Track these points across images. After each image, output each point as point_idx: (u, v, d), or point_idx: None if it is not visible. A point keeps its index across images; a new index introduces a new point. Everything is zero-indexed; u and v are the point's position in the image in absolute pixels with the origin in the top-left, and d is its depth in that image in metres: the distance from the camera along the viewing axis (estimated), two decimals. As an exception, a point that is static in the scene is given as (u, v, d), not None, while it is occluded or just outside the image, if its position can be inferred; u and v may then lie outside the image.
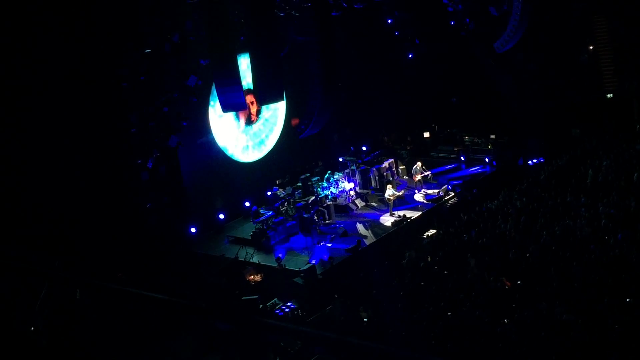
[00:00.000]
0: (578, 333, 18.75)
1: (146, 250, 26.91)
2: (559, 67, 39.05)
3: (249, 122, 34.33)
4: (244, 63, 29.50)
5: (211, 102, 31.91)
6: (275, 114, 35.83)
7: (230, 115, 32.86)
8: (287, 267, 26.86)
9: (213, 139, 32.47)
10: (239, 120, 33.93)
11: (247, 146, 34.55)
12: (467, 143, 37.78)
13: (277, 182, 34.07)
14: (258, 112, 34.53)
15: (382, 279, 24.24)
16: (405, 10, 38.06)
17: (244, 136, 34.31)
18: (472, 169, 35.85)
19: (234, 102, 24.57)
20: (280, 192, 32.68)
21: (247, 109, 33.04)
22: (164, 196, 28.42)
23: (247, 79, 29.08)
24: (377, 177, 34.23)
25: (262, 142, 35.44)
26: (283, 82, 27.53)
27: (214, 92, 30.85)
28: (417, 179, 33.10)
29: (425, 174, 33.38)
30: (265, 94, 25.41)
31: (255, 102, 32.77)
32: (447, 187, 32.66)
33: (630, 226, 24.25)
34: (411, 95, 39.37)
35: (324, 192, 32.03)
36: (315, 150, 36.82)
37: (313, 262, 26.87)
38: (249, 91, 30.27)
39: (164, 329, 23.11)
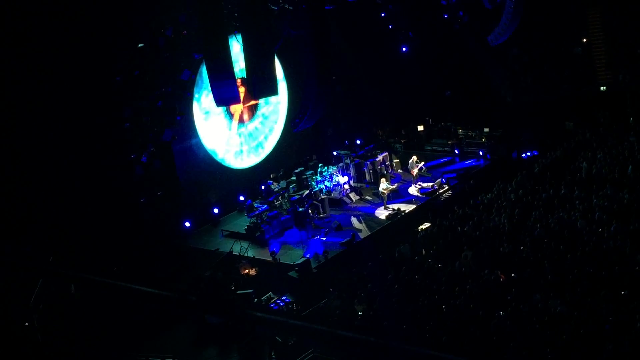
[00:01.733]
0: (572, 325, 18.81)
1: (140, 244, 26.91)
2: (553, 60, 39.12)
3: (243, 120, 33.94)
4: (236, 46, 29.17)
5: (195, 95, 31.28)
6: (277, 109, 35.44)
7: (220, 112, 32.32)
8: (281, 261, 26.87)
9: (200, 141, 31.82)
10: (230, 119, 33.31)
11: (241, 150, 33.94)
12: (461, 136, 37.80)
13: (272, 176, 34.05)
14: (254, 109, 34.35)
15: (377, 273, 24.26)
16: (398, 4, 37.99)
17: (237, 138, 33.74)
18: (466, 162, 35.87)
19: (227, 96, 24.49)
20: (275, 186, 32.68)
21: (241, 103, 32.39)
22: (158, 190, 28.41)
23: (239, 62, 28.60)
24: (371, 171, 34.24)
25: (259, 145, 34.88)
26: (276, 75, 27.40)
27: (198, 84, 30.72)
28: (414, 173, 33.13)
29: (420, 166, 33.39)
30: (259, 87, 25.29)
31: (248, 98, 32.35)
32: (441, 180, 32.68)
33: (624, 218, 24.31)
34: (405, 89, 39.35)
35: (318, 186, 32.02)
36: (310, 144, 36.81)
37: (307, 256, 26.90)
38: (242, 81, 29.96)
39: (162, 321, 23.22)
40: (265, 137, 35.34)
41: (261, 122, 35.01)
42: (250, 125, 34.44)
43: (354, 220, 30.63)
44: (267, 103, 34.93)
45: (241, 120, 33.95)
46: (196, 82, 30.87)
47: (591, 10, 38.79)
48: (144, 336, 23.37)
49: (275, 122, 35.71)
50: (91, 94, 25.85)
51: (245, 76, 27.79)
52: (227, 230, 30.58)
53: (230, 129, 33.46)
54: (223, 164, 33.03)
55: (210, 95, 30.73)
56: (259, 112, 34.86)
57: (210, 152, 32.37)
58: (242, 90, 29.58)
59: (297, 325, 4.88)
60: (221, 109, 32.18)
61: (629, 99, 36.60)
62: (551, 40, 39.17)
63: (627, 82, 37.64)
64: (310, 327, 4.79)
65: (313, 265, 26.22)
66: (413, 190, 32.69)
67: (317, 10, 28.01)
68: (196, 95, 31.26)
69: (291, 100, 35.34)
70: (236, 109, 33.26)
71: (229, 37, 25.64)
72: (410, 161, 33.40)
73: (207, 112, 31.94)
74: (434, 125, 39.60)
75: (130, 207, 27.49)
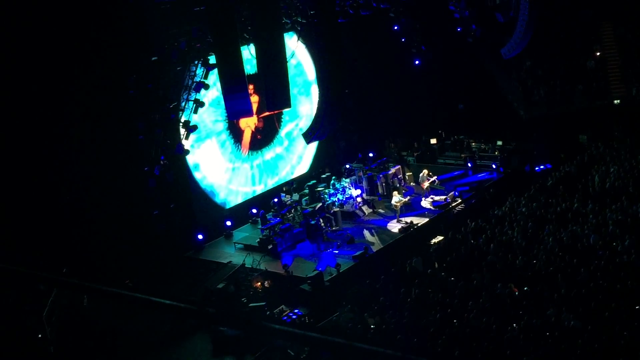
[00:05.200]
0: (586, 339, 18.71)
1: (153, 256, 26.95)
2: (566, 73, 39.05)
3: (255, 143, 32.13)
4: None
5: (182, 106, 27.81)
6: (307, 125, 32.70)
7: (221, 129, 30.72)
8: (294, 274, 26.84)
9: (192, 175, 29.54)
10: (236, 144, 31.35)
11: (254, 192, 32.09)
12: (474, 149, 37.71)
13: (284, 188, 34.05)
14: (275, 125, 33.00)
15: (390, 286, 24.21)
16: (411, 17, 38.08)
17: (247, 170, 32.07)
18: (479, 175, 35.77)
19: (240, 108, 24.55)
20: (287, 198, 32.66)
21: (254, 114, 29.38)
22: (171, 203, 28.44)
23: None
24: (383, 184, 34.19)
25: (282, 181, 33.27)
26: (289, 87, 27.30)
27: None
28: (425, 187, 33.05)
29: (432, 180, 33.32)
30: (273, 99, 25.21)
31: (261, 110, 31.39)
32: (454, 193, 32.60)
33: (638, 232, 24.19)
34: (418, 102, 39.36)
35: (331, 198, 31.99)
36: (323, 157, 36.79)
37: (320, 269, 26.86)
38: (254, 89, 28.92)
39: (178, 333, 23.30)
40: (292, 170, 34.00)
41: (286, 149, 33.88)
42: (269, 154, 32.78)
43: (366, 233, 30.58)
44: (295, 117, 33.65)
45: (253, 147, 32.26)
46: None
47: (604, 23, 38.77)
48: (159, 347, 23.43)
49: (306, 147, 33.99)
50: (105, 106, 25.99)
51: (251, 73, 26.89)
52: (240, 243, 30.55)
53: (238, 158, 31.49)
54: (225, 207, 31.52)
55: (207, 111, 29.34)
56: (281, 133, 33.42)
57: (206, 190, 30.67)
58: (254, 100, 28.48)
59: (314, 337, 4.88)
60: (222, 127, 30.99)
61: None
62: (564, 53, 39.14)
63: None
64: (327, 339, 4.78)
65: (325, 279, 26.19)
66: (426, 203, 32.62)
67: (329, 23, 28.11)
68: (182, 105, 28.07)
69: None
70: (248, 123, 32.18)
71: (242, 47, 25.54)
72: (421, 175, 33.31)
73: (198, 132, 28.94)
74: (447, 138, 39.55)
75: (143, 219, 27.53)
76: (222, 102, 27.62)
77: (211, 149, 30.63)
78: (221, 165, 31.19)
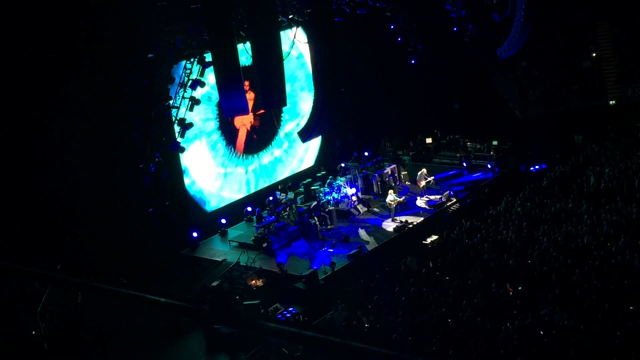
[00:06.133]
0: (579, 339, 18.74)
1: (148, 254, 26.92)
2: (562, 74, 39.10)
3: (251, 144, 31.00)
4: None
5: (174, 104, 26.93)
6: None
7: (212, 128, 29.99)
8: (288, 272, 26.83)
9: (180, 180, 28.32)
10: (229, 146, 30.11)
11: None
12: (469, 149, 37.76)
13: (279, 187, 34.00)
14: (273, 125, 32.40)
15: (384, 285, 24.21)
16: (408, 16, 38.08)
17: (240, 175, 31.24)
18: (475, 175, 35.79)
19: (236, 107, 24.48)
20: (282, 197, 32.62)
21: (250, 112, 29.23)
22: (166, 200, 28.40)
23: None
24: (379, 183, 34.18)
25: (281, 184, 32.31)
26: (285, 85, 27.23)
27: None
28: (422, 185, 33.05)
29: (428, 179, 33.33)
30: (268, 97, 25.12)
31: (257, 108, 31.14)
32: (449, 193, 32.62)
33: (633, 233, 24.24)
34: (414, 101, 39.37)
35: (326, 197, 31.97)
36: (318, 156, 36.76)
37: (314, 267, 26.85)
38: (249, 85, 28.60)
39: (172, 330, 23.31)
40: (292, 174, 33.38)
41: (285, 151, 33.35)
42: (266, 157, 32.02)
43: (361, 232, 30.56)
44: (296, 115, 32.65)
45: (249, 149, 31.33)
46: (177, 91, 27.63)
47: (601, 24, 38.83)
48: (153, 345, 23.43)
49: (307, 150, 33.68)
50: (100, 103, 25.95)
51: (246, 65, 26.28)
52: (235, 241, 30.52)
53: (231, 162, 30.48)
54: (208, 210, 30.53)
55: (197, 109, 28.54)
56: (280, 133, 32.82)
57: (195, 197, 29.63)
58: (249, 97, 28.00)
59: (308, 336, 4.87)
60: (213, 126, 30.33)
61: (639, 113, 36.57)
62: (560, 53, 39.20)
63: (636, 96, 37.61)
64: (321, 338, 4.78)
65: (320, 277, 26.18)
66: (421, 202, 32.64)
67: (326, 22, 28.06)
68: (173, 102, 27.12)
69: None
70: (243, 122, 31.63)
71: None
72: (420, 173, 33.30)
73: (185, 134, 27.55)
74: (443, 138, 39.59)
75: (138, 216, 27.50)
76: (213, 98, 27.61)
77: (200, 152, 29.53)
78: (211, 170, 30.26)
